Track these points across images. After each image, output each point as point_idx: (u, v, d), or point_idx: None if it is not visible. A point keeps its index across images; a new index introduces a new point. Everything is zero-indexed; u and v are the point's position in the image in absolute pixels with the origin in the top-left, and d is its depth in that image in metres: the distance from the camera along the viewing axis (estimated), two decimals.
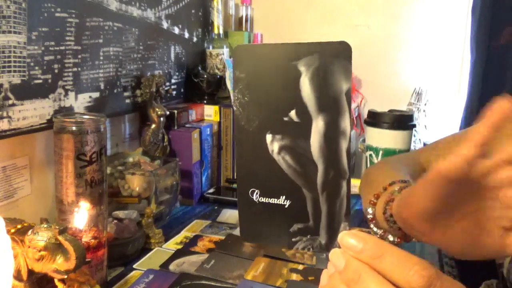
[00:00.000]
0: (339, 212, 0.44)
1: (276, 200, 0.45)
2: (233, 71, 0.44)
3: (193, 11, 1.32)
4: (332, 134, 0.42)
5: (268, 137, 0.44)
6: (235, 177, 1.22)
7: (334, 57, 0.43)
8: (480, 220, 0.42)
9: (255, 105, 0.44)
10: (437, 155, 0.67)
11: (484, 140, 0.36)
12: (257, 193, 0.46)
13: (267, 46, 0.45)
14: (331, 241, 0.44)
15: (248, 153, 0.45)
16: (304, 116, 0.43)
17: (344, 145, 0.42)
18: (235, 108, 0.45)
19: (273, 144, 0.44)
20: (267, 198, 0.45)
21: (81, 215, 0.64)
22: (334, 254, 0.36)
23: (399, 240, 0.52)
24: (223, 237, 0.89)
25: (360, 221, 0.94)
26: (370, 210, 0.55)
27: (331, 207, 0.44)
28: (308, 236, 0.45)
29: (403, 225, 0.48)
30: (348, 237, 0.34)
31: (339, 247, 0.35)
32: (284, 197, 0.45)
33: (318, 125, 0.42)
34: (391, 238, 0.53)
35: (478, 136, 0.36)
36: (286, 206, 0.45)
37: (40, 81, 0.79)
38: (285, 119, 0.44)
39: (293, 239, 0.45)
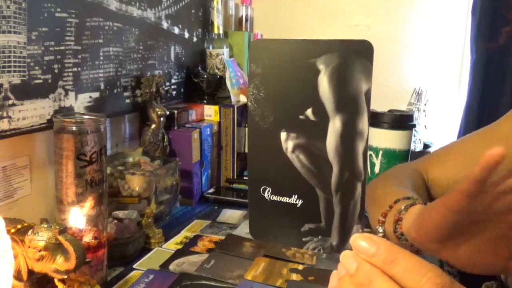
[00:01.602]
0: (353, 214, 0.43)
1: (288, 199, 0.44)
2: (248, 65, 0.44)
3: (193, 11, 1.32)
4: (349, 135, 0.41)
5: (283, 134, 0.44)
6: (235, 177, 1.21)
7: (354, 56, 0.42)
8: (488, 240, 0.44)
9: (271, 102, 0.43)
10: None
11: (481, 178, 0.40)
12: (268, 191, 0.45)
13: (285, 42, 0.43)
14: (343, 243, 0.43)
15: (261, 150, 0.45)
16: (321, 115, 0.42)
17: (360, 146, 0.42)
18: (249, 104, 0.44)
19: (288, 142, 0.43)
20: (279, 197, 0.45)
21: (81, 215, 0.64)
22: (345, 256, 0.35)
23: None
24: (223, 237, 0.88)
25: (367, 222, 0.94)
26: (380, 229, 0.56)
27: (344, 208, 0.43)
28: (319, 237, 0.44)
29: (415, 242, 0.51)
30: (360, 240, 0.33)
31: (351, 249, 0.34)
32: (296, 196, 0.44)
33: (335, 125, 0.42)
34: None
35: (476, 175, 0.40)
36: (298, 206, 0.44)
37: (40, 81, 0.78)
38: (301, 117, 0.43)
39: (304, 239, 0.44)
